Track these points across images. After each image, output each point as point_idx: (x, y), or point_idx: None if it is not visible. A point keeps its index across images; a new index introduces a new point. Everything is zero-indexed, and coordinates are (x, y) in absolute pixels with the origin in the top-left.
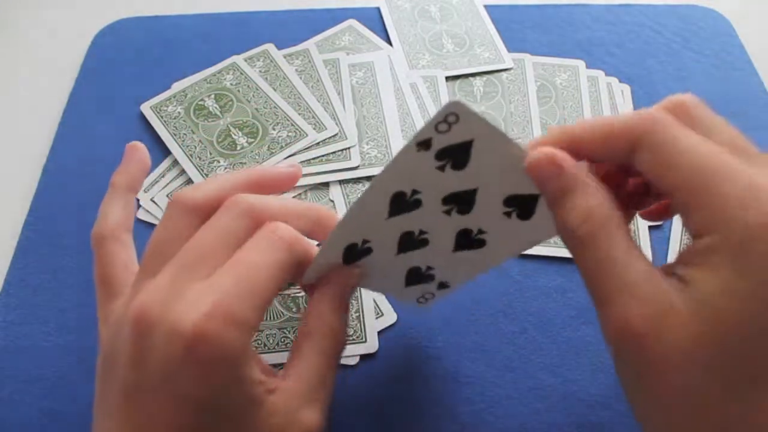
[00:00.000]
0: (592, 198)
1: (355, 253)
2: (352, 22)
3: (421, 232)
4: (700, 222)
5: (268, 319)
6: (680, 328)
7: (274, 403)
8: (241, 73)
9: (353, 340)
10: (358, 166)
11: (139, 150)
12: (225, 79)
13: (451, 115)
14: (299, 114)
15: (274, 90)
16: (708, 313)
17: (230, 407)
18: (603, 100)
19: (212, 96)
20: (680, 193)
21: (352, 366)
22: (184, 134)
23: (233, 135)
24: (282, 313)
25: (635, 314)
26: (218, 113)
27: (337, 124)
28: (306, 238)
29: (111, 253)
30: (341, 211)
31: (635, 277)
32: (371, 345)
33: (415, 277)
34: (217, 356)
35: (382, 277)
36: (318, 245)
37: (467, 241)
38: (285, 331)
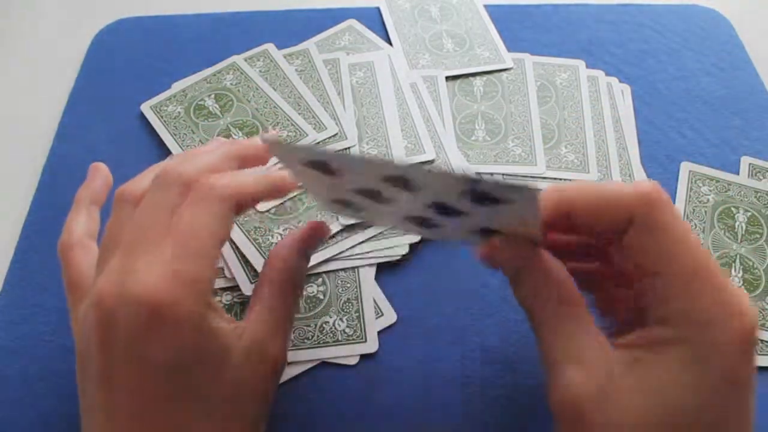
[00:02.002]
0: (556, 278)
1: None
2: (352, 22)
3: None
4: (671, 315)
5: None
6: (623, 398)
7: (244, 347)
8: (241, 73)
9: (353, 340)
10: None
11: (101, 169)
12: (225, 79)
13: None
14: (299, 114)
15: (274, 90)
16: (654, 392)
17: (203, 362)
18: (603, 100)
19: (212, 96)
20: (660, 280)
21: (352, 366)
22: (184, 134)
23: (233, 135)
24: None
25: (579, 381)
26: (218, 113)
27: (337, 124)
28: (240, 173)
29: (77, 259)
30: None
31: (588, 350)
32: (371, 345)
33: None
34: (176, 318)
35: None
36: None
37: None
38: None
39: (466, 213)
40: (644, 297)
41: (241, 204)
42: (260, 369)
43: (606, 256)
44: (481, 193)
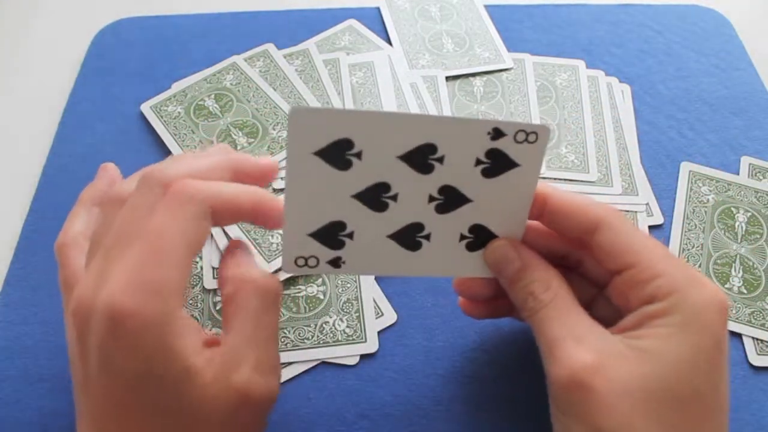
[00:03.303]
0: (549, 272)
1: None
2: (352, 22)
3: (387, 190)
4: (654, 292)
5: None
6: (623, 366)
7: (210, 373)
8: (241, 73)
9: (353, 340)
10: None
11: (108, 169)
12: (225, 79)
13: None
14: None
15: (274, 90)
16: (651, 359)
17: (165, 378)
18: (603, 100)
19: (212, 96)
20: (637, 268)
21: (352, 366)
22: (184, 134)
23: (233, 135)
24: (282, 313)
25: (579, 354)
26: (218, 113)
27: None
28: (221, 182)
29: (72, 259)
30: None
31: (584, 329)
32: (371, 345)
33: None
34: (140, 325)
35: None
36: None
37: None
38: (285, 331)
39: (468, 201)
40: (623, 289)
41: (218, 211)
42: (225, 400)
43: (576, 266)
44: (497, 152)
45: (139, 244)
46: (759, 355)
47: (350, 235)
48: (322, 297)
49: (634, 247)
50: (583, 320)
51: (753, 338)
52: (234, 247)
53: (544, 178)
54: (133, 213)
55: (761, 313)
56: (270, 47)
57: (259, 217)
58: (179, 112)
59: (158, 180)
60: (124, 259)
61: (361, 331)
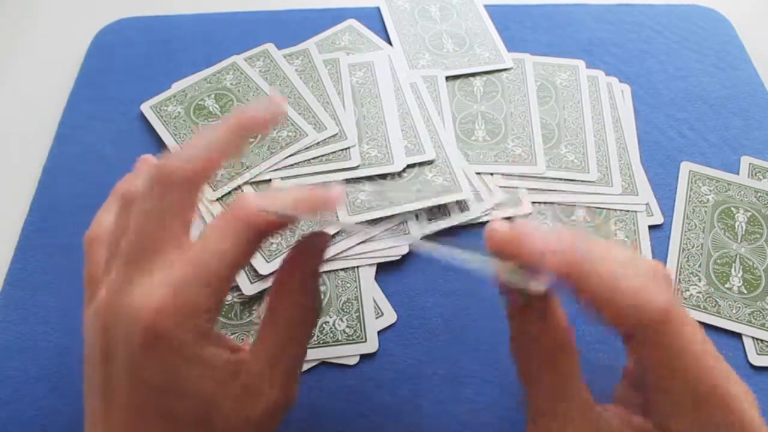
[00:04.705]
0: (547, 321)
1: None
2: (352, 22)
3: None
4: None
5: None
6: None
7: (239, 383)
8: (241, 73)
9: (353, 340)
10: (358, 166)
11: (147, 163)
12: (225, 79)
13: None
14: (299, 114)
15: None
16: None
17: (196, 392)
18: (603, 100)
19: (212, 96)
20: (672, 397)
21: (352, 366)
22: (184, 134)
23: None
24: None
25: None
26: (218, 113)
27: (337, 124)
28: (267, 204)
29: (99, 254)
30: (340, 212)
31: (567, 402)
32: (371, 345)
33: None
34: (173, 347)
35: None
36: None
37: None
38: None
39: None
40: (651, 402)
41: (266, 232)
42: (254, 409)
43: None
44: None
45: (184, 261)
46: (759, 355)
47: None
48: (321, 297)
49: (674, 374)
50: (575, 396)
51: (753, 338)
52: (303, 256)
53: (543, 178)
54: (147, 219)
55: (761, 313)
56: (270, 47)
57: (318, 210)
58: (179, 112)
59: (165, 179)
60: (164, 274)
61: (361, 331)
